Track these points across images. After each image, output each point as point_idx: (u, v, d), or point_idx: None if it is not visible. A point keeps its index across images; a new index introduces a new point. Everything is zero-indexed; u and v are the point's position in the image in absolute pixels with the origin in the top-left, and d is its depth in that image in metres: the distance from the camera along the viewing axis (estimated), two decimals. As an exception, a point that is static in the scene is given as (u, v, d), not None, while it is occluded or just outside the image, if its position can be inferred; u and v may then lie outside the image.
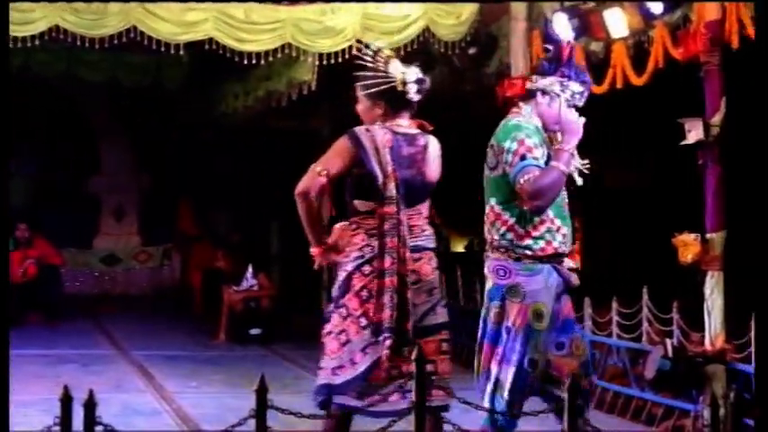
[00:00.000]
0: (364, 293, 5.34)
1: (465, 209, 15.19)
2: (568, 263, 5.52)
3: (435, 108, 13.82)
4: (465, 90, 12.34)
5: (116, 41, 10.42)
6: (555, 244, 5.45)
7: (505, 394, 5.26)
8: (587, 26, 9.28)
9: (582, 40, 9.39)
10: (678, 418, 8.04)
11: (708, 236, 7.65)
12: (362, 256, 5.42)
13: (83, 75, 14.58)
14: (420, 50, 11.17)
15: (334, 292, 5.57)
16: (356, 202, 5.61)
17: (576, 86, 5.63)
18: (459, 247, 17.03)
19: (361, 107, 5.73)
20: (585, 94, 5.70)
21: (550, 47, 6.03)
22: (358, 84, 5.73)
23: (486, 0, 10.08)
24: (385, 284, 5.29)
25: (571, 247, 5.58)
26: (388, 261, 5.31)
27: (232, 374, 9.99)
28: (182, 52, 10.81)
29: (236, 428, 3.60)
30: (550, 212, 5.44)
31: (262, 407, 3.46)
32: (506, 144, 5.48)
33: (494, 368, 5.35)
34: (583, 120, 5.59)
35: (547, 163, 5.41)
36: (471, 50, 11.22)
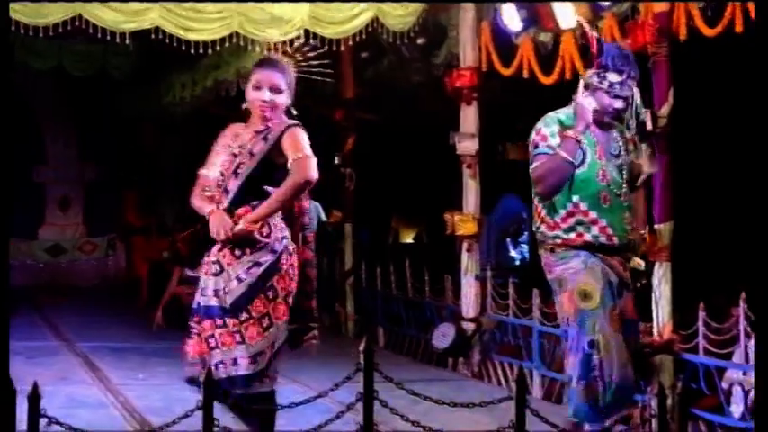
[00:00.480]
0: (291, 274, 5.51)
1: (414, 200, 15.28)
2: (637, 263, 5.67)
3: (385, 98, 13.91)
4: (413, 80, 12.35)
5: (60, 30, 10.34)
6: (588, 236, 5.50)
7: (574, 384, 5.42)
8: (536, 17, 9.32)
9: (531, 31, 9.44)
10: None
11: (656, 227, 7.69)
12: (285, 237, 5.53)
13: (29, 63, 14.46)
14: (368, 41, 11.17)
15: (255, 276, 5.43)
16: (272, 190, 5.55)
17: (613, 76, 5.69)
18: (408, 238, 17.06)
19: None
20: (627, 82, 5.72)
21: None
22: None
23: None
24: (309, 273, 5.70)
25: (637, 241, 5.68)
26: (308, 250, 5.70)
27: (179, 366, 9.90)
28: (128, 41, 10.73)
29: (184, 420, 3.59)
30: (582, 205, 5.50)
31: (208, 398, 3.45)
32: (530, 137, 5.71)
33: (568, 364, 5.57)
34: (593, 104, 5.62)
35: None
36: (420, 41, 11.23)
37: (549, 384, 9.05)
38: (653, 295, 7.69)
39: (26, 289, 16.63)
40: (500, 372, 9.86)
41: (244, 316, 5.31)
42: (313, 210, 17.54)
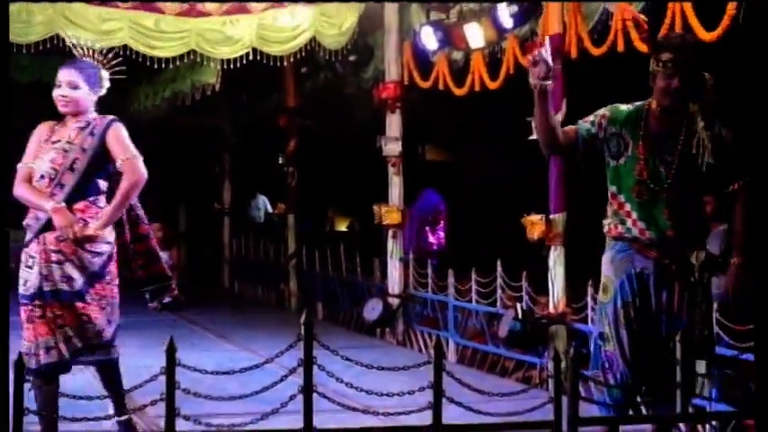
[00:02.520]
0: (115, 259, 5.42)
1: (347, 194, 15.27)
2: (699, 257, 4.89)
3: (322, 107, 13.84)
4: (346, 92, 12.34)
5: (42, 47, 10.21)
6: (621, 228, 4.96)
7: (590, 369, 4.88)
8: (450, 38, 9.33)
9: (445, 50, 9.46)
10: (527, 370, 8.15)
11: (551, 216, 7.75)
12: (113, 228, 5.41)
13: (14, 76, 14.22)
14: (308, 58, 11.14)
15: (96, 265, 5.29)
16: (103, 183, 5.41)
17: (665, 55, 4.88)
18: (342, 226, 17.04)
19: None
20: (673, 59, 4.83)
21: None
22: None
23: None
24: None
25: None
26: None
27: (146, 337, 9.85)
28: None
29: (149, 384, 3.56)
30: (620, 197, 4.99)
31: (171, 364, 3.43)
32: None
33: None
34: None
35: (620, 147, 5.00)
36: (351, 58, 11.22)
37: (462, 351, 9.11)
38: (549, 274, 7.76)
39: (11, 270, 16.39)
40: (420, 340, 9.89)
41: (89, 298, 5.19)
42: (261, 202, 17.65)
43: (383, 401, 3.92)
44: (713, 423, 5.80)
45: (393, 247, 10.31)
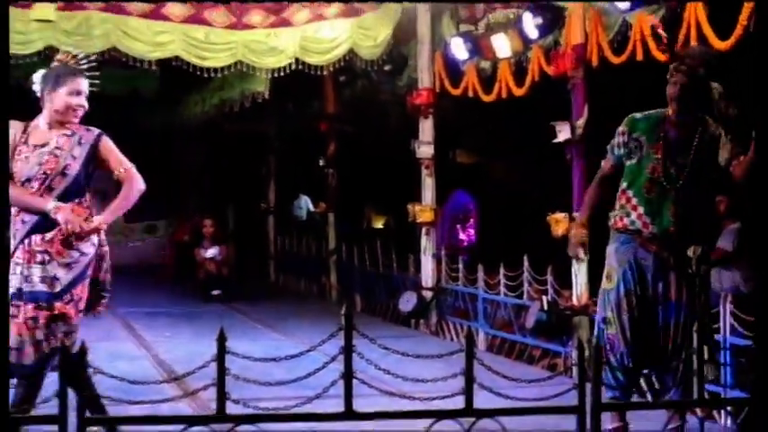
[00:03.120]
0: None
1: (383, 194, 15.27)
2: (695, 251, 4.89)
3: (359, 113, 13.86)
4: (382, 99, 12.35)
5: (100, 58, 10.28)
6: (626, 221, 5.01)
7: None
8: (479, 48, 9.32)
9: (475, 60, 9.44)
10: (552, 358, 8.12)
11: (575, 214, 7.71)
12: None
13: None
14: (346, 67, 11.17)
15: (82, 265, 5.04)
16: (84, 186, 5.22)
17: (673, 64, 5.03)
18: (378, 224, 17.05)
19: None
20: (676, 68, 4.97)
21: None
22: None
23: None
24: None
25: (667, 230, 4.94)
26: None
27: (198, 326, 9.92)
28: (154, 67, 10.70)
29: (202, 370, 3.58)
30: (629, 192, 5.04)
31: (222, 352, 3.44)
32: None
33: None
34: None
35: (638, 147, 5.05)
36: (387, 67, 11.22)
37: (491, 340, 9.09)
38: (572, 269, 7.73)
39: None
40: (452, 330, 9.88)
41: (67, 298, 4.94)
42: (303, 202, 17.67)
43: (418, 387, 3.92)
44: (728, 409, 5.75)
45: (426, 244, 10.31)
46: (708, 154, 4.98)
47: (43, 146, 5.03)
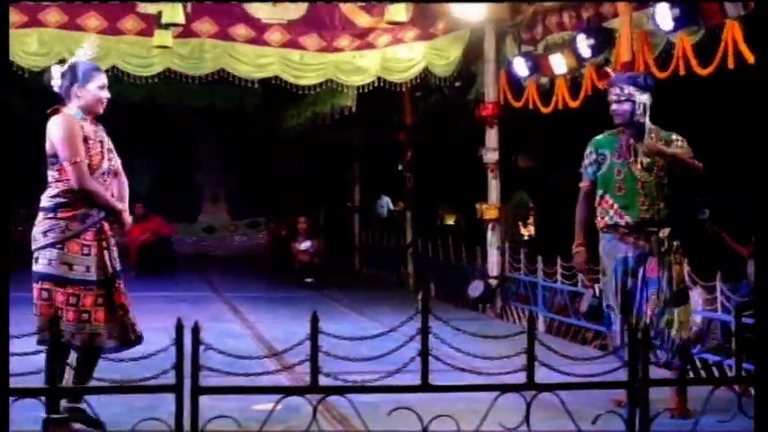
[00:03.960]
0: None
1: (454, 194, 15.22)
2: (664, 232, 5.18)
3: (433, 124, 13.80)
4: (453, 111, 12.31)
5: (210, 78, 10.44)
6: (606, 218, 5.29)
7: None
8: (538, 66, 9.25)
9: (534, 76, 9.36)
10: (603, 338, 8.00)
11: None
12: None
13: (188, 101, 14.57)
14: (422, 84, 11.16)
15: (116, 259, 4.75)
16: None
17: (613, 90, 5.43)
18: (450, 221, 16.99)
19: None
20: (619, 93, 5.35)
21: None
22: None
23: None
24: None
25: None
26: None
27: (294, 309, 9.99)
28: (257, 86, 10.81)
29: (297, 347, 3.59)
30: (606, 196, 5.31)
31: (315, 331, 3.45)
32: None
33: None
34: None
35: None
36: (457, 83, 11.19)
37: (550, 322, 9.00)
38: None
39: (190, 256, 16.80)
40: (515, 314, 9.81)
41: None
42: (384, 201, 17.69)
43: (485, 363, 3.87)
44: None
45: (491, 238, 10.25)
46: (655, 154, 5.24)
47: (102, 141, 4.72)
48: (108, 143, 4.77)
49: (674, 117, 5.32)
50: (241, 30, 10.14)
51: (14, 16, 9.40)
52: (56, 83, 4.77)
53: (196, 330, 3.32)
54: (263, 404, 4.14)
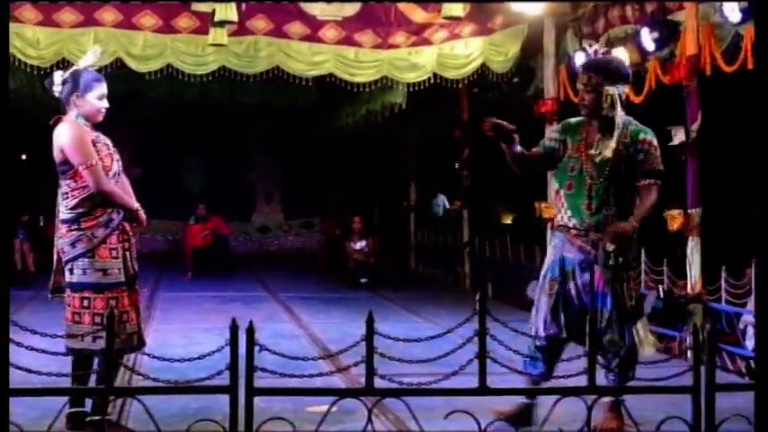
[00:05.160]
0: None
1: (511, 193, 15.15)
2: (607, 244, 4.73)
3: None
4: (511, 108, 12.23)
5: (264, 76, 10.51)
6: (558, 217, 5.01)
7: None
8: (599, 61, 9.13)
9: (596, 71, 9.25)
10: (667, 341, 7.90)
11: (689, 211, 7.50)
12: None
13: (243, 99, 14.69)
14: (479, 80, 11.11)
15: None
16: None
17: (581, 78, 5.07)
18: (507, 220, 16.91)
19: None
20: (588, 82, 4.95)
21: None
22: None
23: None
24: None
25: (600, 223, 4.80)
26: None
27: (348, 310, 10.03)
28: (310, 83, 10.87)
29: (352, 348, 3.60)
30: (561, 191, 4.96)
31: (370, 332, 3.46)
32: None
33: None
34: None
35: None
36: (515, 79, 11.13)
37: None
38: (687, 260, 7.51)
39: (244, 256, 16.95)
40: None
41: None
42: (440, 200, 17.68)
43: (545, 366, 3.86)
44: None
45: (550, 237, 10.14)
46: (625, 154, 4.85)
47: (107, 144, 4.79)
48: (112, 146, 4.84)
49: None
50: (296, 27, 10.19)
51: (69, 15, 9.58)
52: (56, 89, 4.80)
53: (251, 331, 3.35)
54: (317, 406, 4.18)
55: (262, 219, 19.47)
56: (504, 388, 3.71)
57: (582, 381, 3.63)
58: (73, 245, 4.66)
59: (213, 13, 9.39)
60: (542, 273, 5.01)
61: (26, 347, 3.45)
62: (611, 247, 4.72)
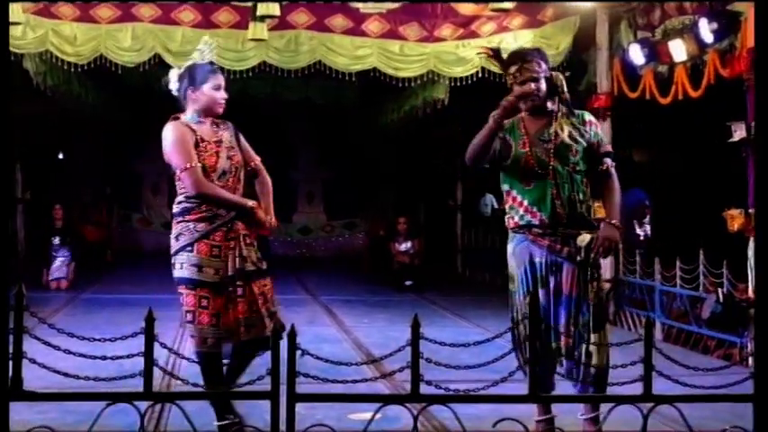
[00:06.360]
0: None
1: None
2: (581, 239, 4.66)
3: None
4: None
5: (306, 71, 10.55)
6: (516, 218, 4.80)
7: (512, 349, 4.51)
8: (655, 53, 9.07)
9: (651, 64, 9.18)
10: (727, 348, 7.80)
11: (750, 210, 7.39)
12: None
13: (284, 95, 14.76)
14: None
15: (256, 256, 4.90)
16: None
17: (512, 68, 5.10)
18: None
19: None
20: (520, 68, 5.01)
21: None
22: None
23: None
24: None
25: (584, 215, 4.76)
26: None
27: (393, 313, 10.04)
28: (354, 78, 10.89)
29: (397, 353, 3.60)
30: (513, 191, 4.82)
31: (416, 337, 3.45)
32: None
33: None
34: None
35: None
36: (567, 73, 11.04)
37: (668, 330, 8.81)
38: (748, 262, 7.41)
39: (285, 258, 17.03)
40: (629, 320, 9.63)
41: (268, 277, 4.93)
42: (488, 200, 17.65)
43: (598, 373, 3.83)
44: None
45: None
46: (566, 135, 4.80)
47: (219, 141, 4.81)
48: (229, 142, 4.85)
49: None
50: (338, 20, 10.22)
51: (107, 11, 9.71)
52: (173, 86, 4.89)
53: (292, 335, 3.36)
54: (361, 413, 4.18)
55: (303, 219, 19.57)
56: (555, 395, 3.69)
57: (638, 388, 3.60)
58: (177, 237, 4.73)
59: (254, 7, 9.45)
60: (514, 288, 4.82)
61: (63, 351, 3.49)
62: (584, 242, 4.66)
